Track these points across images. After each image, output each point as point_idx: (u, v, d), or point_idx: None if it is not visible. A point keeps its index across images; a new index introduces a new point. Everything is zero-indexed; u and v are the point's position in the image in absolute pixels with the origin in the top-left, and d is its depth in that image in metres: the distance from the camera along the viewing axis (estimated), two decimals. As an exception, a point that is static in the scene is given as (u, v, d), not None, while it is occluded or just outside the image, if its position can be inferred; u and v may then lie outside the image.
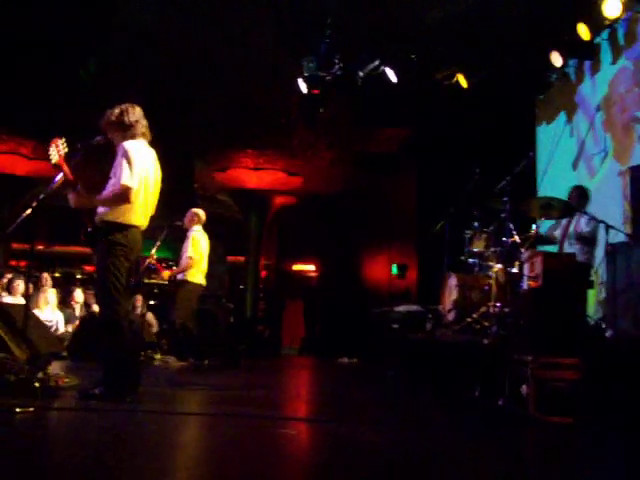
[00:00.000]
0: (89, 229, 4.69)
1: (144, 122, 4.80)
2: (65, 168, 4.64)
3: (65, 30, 8.82)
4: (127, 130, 4.71)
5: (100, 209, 4.63)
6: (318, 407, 5.60)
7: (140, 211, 4.69)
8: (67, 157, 4.69)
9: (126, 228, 4.60)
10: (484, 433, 4.15)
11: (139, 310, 10.00)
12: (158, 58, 9.74)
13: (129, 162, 4.54)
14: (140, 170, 4.61)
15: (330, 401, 5.96)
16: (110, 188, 4.61)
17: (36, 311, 8.55)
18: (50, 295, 9.36)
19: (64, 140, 4.70)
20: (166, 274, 8.46)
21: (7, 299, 8.69)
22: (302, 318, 15.28)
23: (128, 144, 4.62)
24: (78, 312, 9.92)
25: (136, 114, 4.77)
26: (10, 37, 8.87)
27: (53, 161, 4.64)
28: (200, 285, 8.26)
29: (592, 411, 4.18)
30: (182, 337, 8.04)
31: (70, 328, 9.36)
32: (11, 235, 12.33)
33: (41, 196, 4.93)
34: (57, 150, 4.65)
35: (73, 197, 4.64)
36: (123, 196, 4.53)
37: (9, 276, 9.25)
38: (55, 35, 8.89)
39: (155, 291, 10.74)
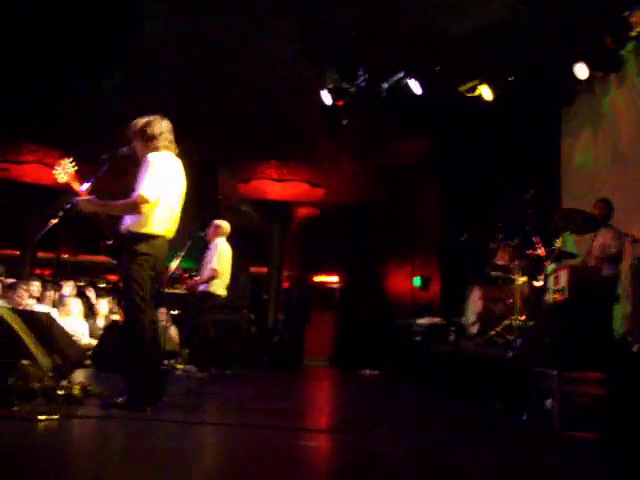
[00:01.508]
0: (109, 242, 4.74)
1: (169, 136, 4.83)
2: (74, 186, 4.70)
3: (94, 42, 8.94)
4: (150, 141, 4.74)
5: (126, 220, 4.67)
6: (338, 419, 5.58)
7: (166, 221, 4.72)
8: (77, 173, 4.77)
9: (152, 238, 4.63)
10: (507, 448, 4.10)
11: (162, 320, 10.05)
12: (183, 70, 9.83)
13: (152, 174, 4.57)
14: (164, 182, 4.64)
15: (351, 413, 5.92)
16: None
17: (61, 319, 8.62)
18: (75, 304, 9.43)
19: (68, 159, 4.77)
20: (188, 284, 8.53)
21: (37, 307, 8.78)
22: (331, 330, 15.24)
23: (153, 156, 4.65)
24: (102, 321, 9.98)
25: (162, 126, 4.79)
26: (40, 47, 9.00)
27: (61, 181, 4.72)
28: (221, 297, 8.30)
29: (618, 427, 4.12)
30: (204, 347, 8.08)
31: (94, 337, 9.42)
32: (37, 244, 12.49)
33: (67, 206, 4.99)
34: (64, 170, 4.71)
35: (84, 204, 4.68)
36: (137, 206, 4.54)
37: (36, 284, 9.34)
38: (83, 46, 9.01)
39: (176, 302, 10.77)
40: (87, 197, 4.69)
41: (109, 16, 8.50)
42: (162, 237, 4.72)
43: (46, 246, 13.98)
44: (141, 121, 4.79)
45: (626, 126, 8.22)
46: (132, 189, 4.68)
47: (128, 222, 4.66)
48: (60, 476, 2.67)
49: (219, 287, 8.26)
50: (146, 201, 4.52)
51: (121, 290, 4.91)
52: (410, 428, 4.88)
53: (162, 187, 4.63)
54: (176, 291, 9.49)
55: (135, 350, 4.57)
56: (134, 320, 4.58)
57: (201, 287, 8.26)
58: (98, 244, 4.86)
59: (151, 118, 4.80)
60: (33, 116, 10.49)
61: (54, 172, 4.74)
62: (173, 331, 10.31)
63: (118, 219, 4.74)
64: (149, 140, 4.74)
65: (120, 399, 4.50)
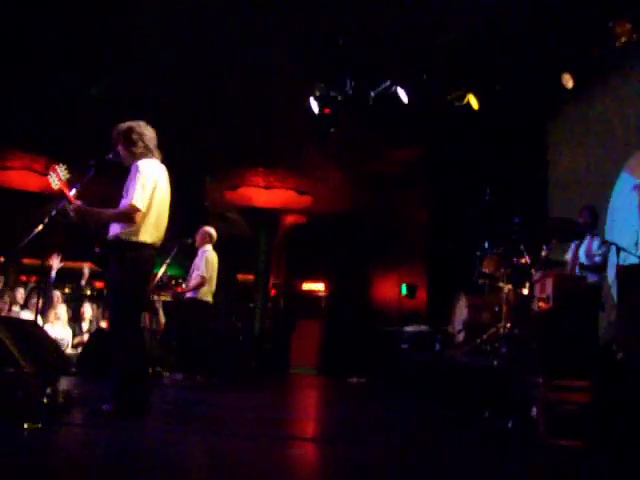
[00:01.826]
0: (97, 250, 4.71)
1: (152, 141, 4.80)
2: (67, 193, 4.68)
3: (79, 47, 8.92)
4: (132, 146, 4.72)
5: (115, 228, 4.64)
6: (325, 427, 5.57)
7: (154, 229, 4.70)
8: (71, 180, 4.75)
9: (140, 246, 4.60)
10: (493, 457, 4.11)
11: (149, 327, 10.00)
12: (172, 76, 9.82)
13: (142, 183, 4.55)
14: (152, 190, 4.62)
15: (337, 421, 5.92)
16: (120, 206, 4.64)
17: (47, 326, 8.57)
18: (61, 311, 9.38)
19: (62, 166, 4.76)
20: (175, 291, 8.50)
21: (23, 314, 8.71)
22: (317, 337, 15.22)
23: (142, 164, 4.63)
24: (87, 328, 9.93)
25: (144, 132, 4.76)
26: (24, 53, 8.97)
27: (55, 187, 4.70)
28: (208, 303, 8.29)
29: (603, 434, 4.14)
30: (190, 354, 8.05)
31: (79, 344, 9.36)
32: (22, 250, 12.38)
33: (53, 212, 4.96)
34: (57, 176, 4.70)
35: (74, 211, 4.65)
36: (130, 216, 4.53)
37: (21, 290, 9.28)
38: (69, 51, 8.99)
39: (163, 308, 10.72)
40: (77, 204, 4.66)
41: (96, 22, 8.49)
42: (151, 245, 4.70)
43: (32, 253, 13.87)
44: (123, 126, 4.78)
45: (611, 135, 8.30)
46: (120, 196, 4.66)
47: (118, 230, 4.62)
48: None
49: (206, 294, 8.24)
50: (138, 211, 4.51)
51: (108, 297, 4.89)
52: (395, 436, 4.88)
53: (152, 195, 4.62)
54: (163, 298, 9.46)
55: (122, 357, 4.55)
56: (121, 328, 4.56)
57: (188, 294, 8.24)
58: (85, 251, 4.83)
59: (133, 123, 4.78)
60: (20, 122, 10.43)
61: (48, 178, 4.72)
62: (159, 338, 10.27)
63: (105, 226, 4.72)
64: (131, 145, 4.72)
65: (105, 406, 4.47)
